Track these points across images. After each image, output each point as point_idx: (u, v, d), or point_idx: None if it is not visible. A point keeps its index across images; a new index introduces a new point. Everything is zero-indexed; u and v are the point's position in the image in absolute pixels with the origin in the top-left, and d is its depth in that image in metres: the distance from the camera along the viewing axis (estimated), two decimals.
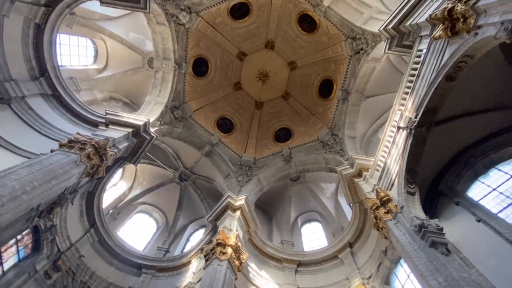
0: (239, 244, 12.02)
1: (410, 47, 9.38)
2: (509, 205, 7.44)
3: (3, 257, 9.36)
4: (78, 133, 9.93)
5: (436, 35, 7.12)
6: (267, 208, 19.40)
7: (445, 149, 9.35)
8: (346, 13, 12.89)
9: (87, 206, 12.61)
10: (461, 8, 6.18)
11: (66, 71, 13.22)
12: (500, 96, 8.45)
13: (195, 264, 13.13)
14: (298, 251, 15.15)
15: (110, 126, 11.59)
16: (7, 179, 6.93)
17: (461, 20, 6.29)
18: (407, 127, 8.90)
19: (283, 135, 18.46)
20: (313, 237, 17.04)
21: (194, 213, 18.31)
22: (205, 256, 11.47)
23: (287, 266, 13.99)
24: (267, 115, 19.32)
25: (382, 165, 10.59)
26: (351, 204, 13.14)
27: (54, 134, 10.23)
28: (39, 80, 10.53)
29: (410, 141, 8.81)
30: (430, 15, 7.26)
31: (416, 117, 8.54)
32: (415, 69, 8.92)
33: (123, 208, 16.62)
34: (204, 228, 16.81)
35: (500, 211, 7.48)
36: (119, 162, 12.23)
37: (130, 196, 17.27)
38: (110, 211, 15.42)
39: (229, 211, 13.48)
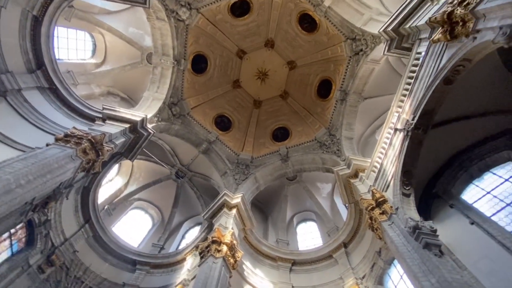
0: (235, 242, 12.04)
1: (409, 49, 9.42)
2: (502, 208, 7.54)
3: None
4: (74, 128, 9.84)
5: (435, 38, 7.16)
6: (263, 206, 19.43)
7: (441, 151, 9.42)
8: (346, 13, 12.90)
9: (82, 201, 12.54)
10: (460, 12, 6.21)
11: (64, 64, 13.09)
12: (496, 101, 8.53)
13: (190, 261, 13.13)
14: (293, 250, 15.22)
15: (107, 121, 11.51)
16: (2, 172, 6.87)
17: (460, 24, 6.32)
18: (404, 129, 8.95)
19: (280, 134, 18.48)
20: (308, 237, 17.12)
21: (190, 210, 18.28)
22: (200, 253, 11.47)
23: (281, 265, 14.05)
24: (265, 114, 19.32)
25: (378, 166, 10.65)
26: (347, 205, 13.21)
27: (50, 128, 10.13)
28: (35, 73, 10.41)
29: (406, 143, 8.86)
30: (430, 18, 7.29)
31: (413, 119, 8.59)
32: (414, 72, 8.96)
33: (119, 204, 16.55)
34: (200, 226, 16.80)
35: (493, 214, 7.57)
36: (116, 157, 12.16)
37: (126, 192, 17.20)
38: (106, 207, 15.35)
39: (225, 209, 13.49)
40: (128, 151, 12.35)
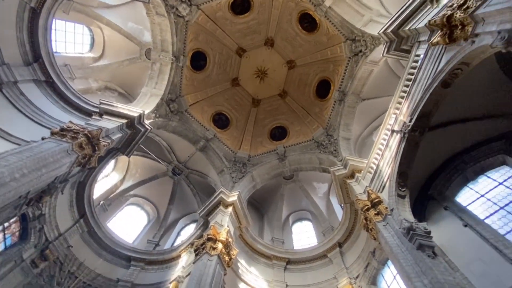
0: (230, 240, 12.05)
1: (408, 51, 9.47)
2: (495, 211, 7.62)
3: None
4: (70, 122, 9.76)
5: (434, 41, 7.19)
6: (259, 205, 19.46)
7: (437, 154, 9.49)
8: (346, 14, 12.91)
9: (78, 196, 12.45)
10: (460, 15, 6.25)
11: (61, 58, 12.96)
12: (493, 105, 8.60)
13: (185, 258, 13.12)
14: (288, 249, 15.27)
15: (104, 116, 11.43)
16: None
17: (459, 27, 6.36)
18: (401, 131, 9.00)
19: (278, 134, 18.49)
20: (304, 236, 17.19)
21: (186, 207, 18.25)
22: (195, 250, 11.47)
23: (276, 264, 14.10)
24: (264, 113, 19.31)
25: (374, 167, 10.71)
26: (342, 205, 13.29)
27: (46, 121, 10.03)
28: (32, 66, 10.29)
29: (403, 144, 8.92)
30: (429, 21, 7.32)
31: (410, 121, 8.64)
32: (412, 74, 9.01)
33: (114, 200, 16.47)
34: (196, 223, 16.79)
35: (487, 217, 7.65)
36: (112, 153, 12.09)
37: (122, 187, 17.11)
38: (101, 202, 15.27)
39: (221, 207, 13.49)
40: (124, 147, 12.28)
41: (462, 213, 8.15)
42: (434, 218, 8.87)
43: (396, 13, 9.24)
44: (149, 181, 17.74)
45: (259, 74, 18.77)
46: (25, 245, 10.40)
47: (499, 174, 8.37)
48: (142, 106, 13.68)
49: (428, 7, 8.34)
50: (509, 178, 8.01)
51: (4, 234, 9.80)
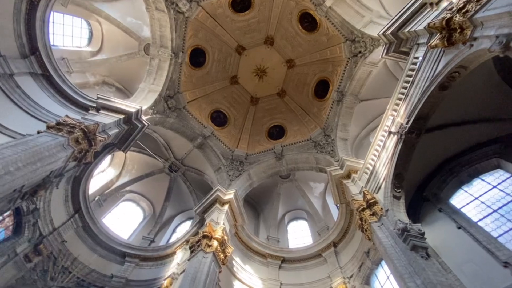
0: (225, 237, 12.06)
1: (407, 53, 9.51)
2: (489, 214, 7.71)
3: None
4: (67, 116, 9.67)
5: (432, 44, 7.23)
6: (256, 203, 19.49)
7: (433, 156, 9.57)
8: (347, 15, 12.91)
9: (73, 191, 12.37)
10: (459, 19, 6.28)
11: (58, 51, 12.83)
12: (489, 108, 8.68)
13: (180, 255, 13.12)
14: (283, 247, 15.34)
15: (101, 111, 11.34)
16: None
17: (458, 30, 6.39)
18: (398, 132, 9.06)
19: (276, 133, 18.50)
20: (299, 235, 17.27)
21: (182, 204, 18.23)
22: (190, 247, 11.48)
23: (271, 262, 14.16)
24: (262, 112, 19.29)
25: (371, 168, 10.77)
26: (338, 205, 13.35)
27: (42, 115, 9.92)
28: (29, 59, 10.16)
29: (400, 146, 8.97)
30: (429, 23, 7.35)
31: (407, 123, 8.70)
32: (410, 76, 9.05)
33: (110, 195, 16.39)
34: (191, 220, 16.78)
35: (480, 220, 7.74)
36: (108, 148, 12.00)
37: (117, 183, 17.03)
38: (96, 198, 15.19)
39: (217, 205, 13.49)
40: (121, 142, 12.21)
41: (456, 215, 8.23)
42: (429, 219, 8.96)
43: (396, 15, 9.26)
44: (146, 178, 17.68)
45: (258, 72, 18.74)
46: (18, 239, 10.32)
47: (493, 177, 8.46)
48: (140, 102, 13.60)
49: (428, 10, 8.38)
50: (503, 181, 8.10)
51: None
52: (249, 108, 19.34)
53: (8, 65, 9.38)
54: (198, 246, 11.13)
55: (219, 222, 12.48)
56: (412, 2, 8.73)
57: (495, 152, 8.64)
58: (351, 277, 11.68)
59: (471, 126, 8.98)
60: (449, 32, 6.67)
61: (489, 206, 7.86)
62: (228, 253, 11.91)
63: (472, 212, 8.10)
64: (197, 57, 16.62)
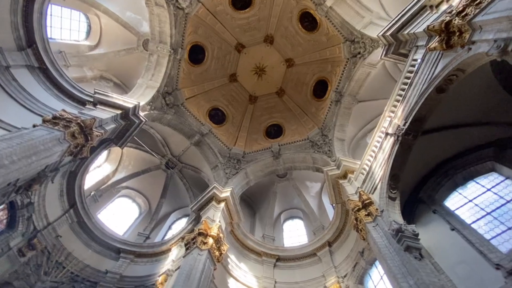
0: (221, 235, 12.08)
1: (406, 55, 9.53)
2: (482, 216, 7.80)
3: None
4: (63, 110, 9.58)
5: (431, 46, 7.25)
6: (252, 202, 19.52)
7: (429, 158, 9.64)
8: (347, 15, 12.92)
9: (68, 186, 12.29)
10: (458, 22, 6.31)
11: (56, 44, 12.70)
12: (485, 112, 8.76)
13: (175, 252, 13.11)
14: (278, 246, 15.39)
15: (98, 106, 11.25)
16: None
17: (457, 34, 6.42)
18: (395, 134, 9.11)
19: (274, 131, 18.52)
20: (294, 234, 17.33)
21: (178, 201, 18.19)
22: (185, 244, 11.47)
23: (266, 260, 14.21)
24: (260, 110, 19.28)
25: (367, 168, 10.83)
26: (334, 204, 13.41)
27: (38, 108, 9.82)
28: (26, 51, 10.03)
29: (396, 147, 9.03)
30: (428, 26, 7.37)
31: (404, 125, 8.74)
32: (408, 78, 9.09)
33: (106, 191, 16.30)
34: (187, 217, 16.76)
35: (474, 222, 7.83)
36: (105, 143, 11.92)
37: (114, 179, 16.95)
38: (92, 193, 15.10)
39: (213, 202, 13.49)
40: (118, 138, 12.13)
41: (450, 217, 8.32)
42: (423, 221, 9.04)
43: (396, 17, 9.28)
44: (142, 174, 17.61)
45: (257, 71, 18.71)
46: (12, 233, 10.24)
47: (487, 180, 8.55)
48: (138, 98, 13.51)
49: (428, 12, 8.40)
50: (497, 184, 8.19)
51: None
52: (247, 106, 19.32)
53: (4, 57, 9.27)
54: (194, 243, 11.12)
55: (215, 220, 12.48)
56: (412, 4, 8.75)
57: (490, 155, 8.73)
58: (345, 276, 11.76)
59: (467, 129, 9.05)
60: (448, 35, 6.70)
61: (482, 209, 7.95)
62: (224, 250, 11.93)
63: (466, 214, 8.18)
64: (196, 54, 16.55)
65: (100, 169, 16.61)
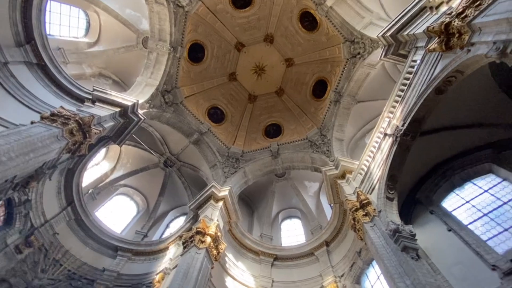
0: (219, 234, 12.08)
1: (405, 56, 9.56)
2: (479, 218, 7.84)
3: None
4: (62, 107, 9.53)
5: (431, 48, 7.27)
6: (250, 201, 19.53)
7: (427, 159, 9.67)
8: (347, 15, 12.92)
9: (66, 183, 12.25)
10: (457, 23, 6.32)
11: (55, 41, 12.62)
12: (484, 114, 8.79)
13: (173, 251, 13.11)
14: (276, 245, 15.42)
15: (96, 103, 11.20)
16: None
17: (456, 35, 6.44)
18: (393, 134, 9.13)
19: (273, 131, 18.52)
20: (292, 233, 17.37)
21: (176, 200, 18.18)
22: (183, 243, 11.47)
23: (263, 259, 14.23)
24: (259, 109, 19.27)
25: (365, 169, 10.85)
26: (332, 204, 13.44)
27: (36, 105, 9.76)
28: (24, 47, 9.95)
29: (394, 148, 9.05)
30: (428, 27, 7.39)
31: (403, 125, 8.77)
32: (408, 79, 9.11)
33: (104, 189, 16.27)
34: (185, 216, 16.76)
35: (470, 223, 7.86)
36: (103, 141, 11.88)
37: (112, 177, 16.91)
38: (90, 191, 15.07)
39: (212, 201, 13.48)
40: (116, 136, 12.09)
41: (447, 217, 8.35)
42: (420, 221, 9.07)
43: (396, 18, 9.29)
44: (140, 172, 17.58)
45: (257, 70, 18.69)
46: (9, 230, 10.19)
47: (485, 181, 8.59)
48: (137, 96, 13.48)
49: (428, 13, 8.42)
50: (494, 186, 8.23)
51: None
52: (246, 105, 19.30)
53: (2, 53, 9.19)
54: (191, 241, 11.12)
55: (213, 219, 12.48)
56: (412, 5, 8.77)
57: (488, 157, 8.77)
58: (342, 276, 11.80)
59: (465, 130, 9.09)
60: (448, 36, 6.72)
61: (479, 210, 7.99)
62: (221, 249, 11.94)
63: (463, 215, 8.22)
64: (196, 52, 16.51)
65: (98, 167, 16.56)
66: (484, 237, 7.26)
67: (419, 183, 9.85)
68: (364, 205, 9.80)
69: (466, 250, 7.17)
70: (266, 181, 18.70)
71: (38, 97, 10.02)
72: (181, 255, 11.09)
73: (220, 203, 13.54)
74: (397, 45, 9.58)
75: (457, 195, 8.93)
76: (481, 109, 8.73)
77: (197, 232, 11.33)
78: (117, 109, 11.35)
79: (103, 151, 16.33)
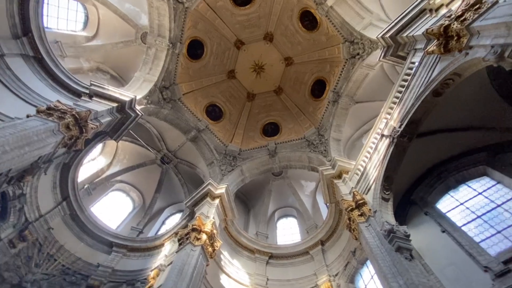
0: (215, 231, 12.08)
1: (404, 58, 9.60)
2: (473, 220, 7.93)
3: None
4: (58, 101, 9.44)
5: (429, 50, 7.31)
6: (246, 199, 19.55)
7: (423, 160, 9.74)
8: (347, 15, 12.93)
9: (61, 178, 12.16)
10: (456, 26, 6.36)
11: (52, 34, 12.46)
12: (480, 117, 8.86)
13: (168, 247, 13.10)
14: (272, 243, 15.46)
15: (94, 98, 11.12)
16: None
17: (455, 38, 6.48)
18: (390, 135, 9.18)
19: (271, 130, 18.53)
20: (288, 232, 17.42)
21: (172, 196, 18.13)
22: (179, 240, 11.46)
23: (259, 257, 14.27)
24: (258, 108, 19.26)
25: (362, 169, 10.91)
26: (328, 204, 13.50)
27: (32, 99, 9.67)
28: (21, 40, 9.84)
29: (391, 149, 9.11)
30: (427, 29, 7.42)
31: (400, 127, 8.82)
32: (406, 81, 9.15)
33: (100, 184, 16.17)
34: (181, 213, 16.74)
35: (464, 225, 7.95)
36: (100, 136, 11.80)
37: (108, 172, 16.81)
38: (86, 186, 14.97)
39: (208, 198, 13.47)
40: (113, 131, 12.01)
41: (441, 219, 8.44)
42: (414, 222, 9.15)
43: (396, 19, 9.32)
44: (137, 168, 17.50)
45: (256, 68, 18.65)
46: (3, 224, 10.10)
47: (479, 184, 8.68)
48: (134, 91, 13.39)
49: (427, 16, 8.45)
50: (488, 188, 8.32)
51: None
52: (245, 103, 19.27)
53: None
54: (187, 238, 11.11)
55: (209, 216, 12.48)
56: (412, 7, 8.79)
57: (483, 160, 8.85)
58: (336, 275, 11.88)
59: (461, 133, 9.17)
60: (446, 39, 6.75)
61: (473, 212, 8.08)
62: (217, 247, 11.95)
63: (457, 217, 8.31)
64: (195, 49, 16.42)
65: (94, 162, 16.46)
66: (477, 239, 7.34)
67: (414, 184, 9.93)
68: (359, 205, 9.86)
69: (459, 252, 7.25)
70: (263, 179, 18.71)
71: (35, 91, 9.93)
72: (176, 252, 11.08)
73: (217, 201, 13.54)
74: (396, 46, 9.61)
75: (452, 197, 9.02)
76: (477, 112, 8.80)
77: (193, 229, 11.32)
78: (115, 105, 11.28)
79: (99, 146, 16.23)
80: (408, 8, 8.89)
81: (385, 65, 13.18)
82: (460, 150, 9.41)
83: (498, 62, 5.33)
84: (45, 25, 10.65)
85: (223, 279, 12.83)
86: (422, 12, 8.62)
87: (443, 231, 8.02)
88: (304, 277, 12.99)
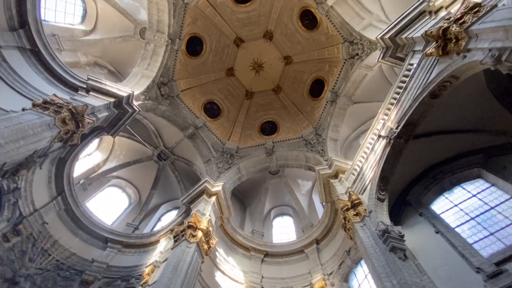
0: (210, 229, 12.09)
1: (403, 59, 9.64)
2: (466, 221, 8.02)
3: None
4: (55, 95, 9.35)
5: (428, 52, 7.35)
6: (243, 197, 19.57)
7: (418, 162, 9.82)
8: (347, 15, 12.93)
9: (57, 172, 12.07)
10: (455, 29, 6.39)
11: (49, 27, 12.32)
12: (476, 119, 8.94)
13: (164, 244, 13.09)
14: (267, 242, 15.52)
15: (91, 93, 11.02)
16: None
17: (454, 41, 6.52)
18: (387, 136, 9.23)
19: (268, 128, 18.53)
20: (283, 231, 17.49)
21: (169, 193, 18.10)
22: (174, 237, 11.45)
23: (254, 255, 14.32)
24: (256, 106, 19.23)
25: (358, 169, 10.97)
26: (324, 203, 13.57)
27: (28, 92, 9.55)
28: (17, 32, 9.70)
29: (388, 150, 9.16)
30: (426, 31, 7.45)
31: (397, 128, 8.87)
32: (404, 82, 9.19)
33: (95, 180, 16.07)
34: (177, 210, 16.71)
35: (458, 226, 8.04)
36: (97, 131, 11.72)
37: (104, 168, 16.71)
38: (81, 181, 14.87)
39: (204, 196, 13.47)
40: (110, 127, 11.93)
41: (435, 220, 8.52)
42: (409, 223, 9.24)
43: (395, 20, 9.34)
44: (133, 164, 17.41)
45: (255, 66, 18.61)
46: None
47: (473, 186, 8.77)
48: (132, 87, 13.30)
49: (427, 18, 8.49)
50: (482, 191, 8.41)
51: None
52: (243, 101, 19.24)
53: None
54: (183, 235, 11.11)
55: (205, 213, 12.48)
56: (411, 9, 8.82)
57: (478, 162, 8.94)
58: (331, 274, 11.96)
59: (457, 135, 9.24)
60: (445, 41, 6.79)
61: (467, 214, 8.17)
62: (212, 244, 11.96)
63: (451, 218, 8.40)
64: (194, 46, 16.33)
65: (90, 157, 16.35)
66: (470, 240, 7.43)
67: (410, 185, 10.01)
68: (355, 205, 9.92)
69: (452, 252, 7.34)
70: (260, 178, 18.74)
71: (31, 84, 9.81)
72: (172, 249, 11.08)
73: (213, 198, 13.54)
74: (395, 47, 9.65)
75: (446, 198, 9.11)
76: (474, 115, 8.87)
77: (189, 226, 11.32)
78: (112, 100, 11.20)
79: (96, 141, 16.12)
80: (408, 9, 8.92)
81: (383, 66, 13.23)
82: (455, 152, 9.49)
83: (495, 66, 5.37)
84: (42, 17, 10.49)
85: (218, 276, 12.86)
86: (421, 14, 8.65)
87: (437, 232, 8.10)
88: (298, 275, 13.06)
